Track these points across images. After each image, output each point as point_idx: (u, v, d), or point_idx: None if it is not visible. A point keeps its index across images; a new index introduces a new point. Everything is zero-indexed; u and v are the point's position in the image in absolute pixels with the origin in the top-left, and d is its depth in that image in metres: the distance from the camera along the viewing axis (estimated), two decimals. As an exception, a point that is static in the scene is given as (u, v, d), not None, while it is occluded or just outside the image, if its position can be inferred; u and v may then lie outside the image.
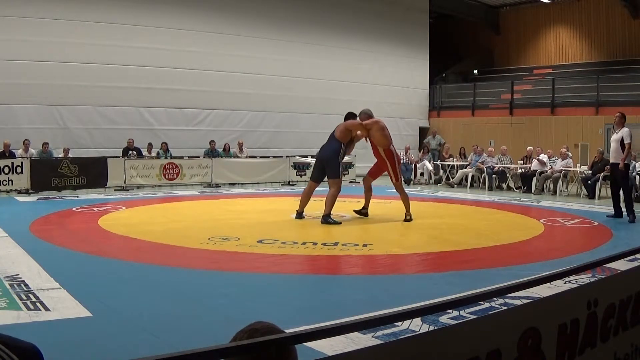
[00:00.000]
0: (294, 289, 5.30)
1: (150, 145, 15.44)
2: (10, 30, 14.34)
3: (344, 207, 11.31)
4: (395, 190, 9.74)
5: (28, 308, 4.35)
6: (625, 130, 9.70)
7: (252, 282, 5.47)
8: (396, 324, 3.72)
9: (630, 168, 13.19)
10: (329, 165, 9.28)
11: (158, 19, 16.50)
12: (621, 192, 9.90)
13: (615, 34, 21.96)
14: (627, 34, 21.61)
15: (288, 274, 5.84)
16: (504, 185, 16.12)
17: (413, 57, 22.35)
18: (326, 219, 8.99)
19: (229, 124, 17.98)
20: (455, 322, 3.21)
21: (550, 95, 19.90)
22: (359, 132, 9.52)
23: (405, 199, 9.54)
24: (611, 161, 9.94)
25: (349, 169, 17.50)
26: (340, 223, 9.10)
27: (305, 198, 9.49)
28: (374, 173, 10.07)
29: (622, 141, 9.63)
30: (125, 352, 3.44)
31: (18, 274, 5.37)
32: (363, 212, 9.79)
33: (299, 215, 9.42)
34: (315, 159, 10.20)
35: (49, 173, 13.05)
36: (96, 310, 4.33)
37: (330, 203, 9.05)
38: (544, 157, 15.07)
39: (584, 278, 4.63)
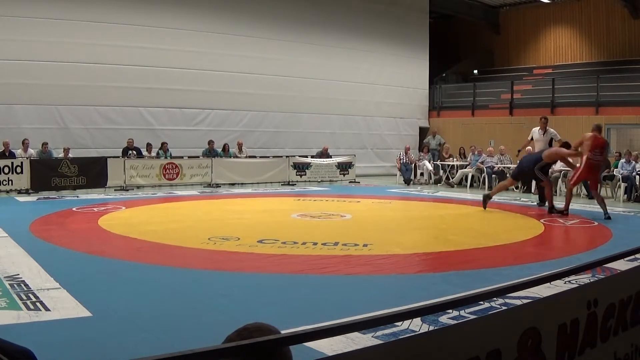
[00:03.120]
0: (294, 289, 5.29)
1: (149, 145, 15.43)
2: (10, 30, 14.34)
3: (345, 207, 11.33)
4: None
5: (28, 308, 4.35)
6: (552, 130, 12.02)
7: (252, 282, 5.47)
8: (396, 324, 3.72)
9: (631, 167, 13.24)
10: (528, 173, 10.97)
11: (158, 19, 16.50)
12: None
13: (615, 34, 21.96)
14: (627, 34, 21.61)
15: (288, 274, 5.84)
16: (504, 185, 16.09)
17: (413, 57, 22.35)
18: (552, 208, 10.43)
19: (228, 124, 17.98)
20: (455, 322, 3.21)
21: (550, 95, 19.90)
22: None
23: (600, 200, 10.20)
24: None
25: (349, 169, 17.52)
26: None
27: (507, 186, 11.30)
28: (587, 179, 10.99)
29: (551, 141, 11.84)
30: (125, 352, 3.44)
31: (18, 274, 5.37)
32: (562, 212, 10.28)
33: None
34: (518, 162, 11.71)
35: (49, 173, 13.04)
36: (96, 310, 4.33)
37: (549, 195, 10.60)
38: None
39: (584, 278, 4.63)
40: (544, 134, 12.01)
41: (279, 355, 1.30)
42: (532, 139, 12.36)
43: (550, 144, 11.75)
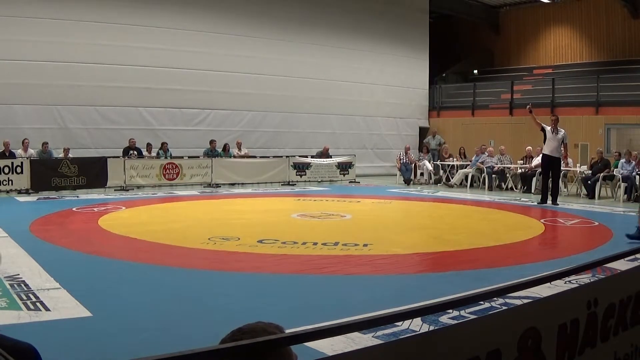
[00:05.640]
0: (294, 289, 5.30)
1: (149, 145, 15.43)
2: (10, 30, 14.34)
3: (345, 207, 11.33)
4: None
5: (28, 308, 4.35)
6: (563, 131, 12.02)
7: (252, 282, 5.47)
8: (396, 324, 3.72)
9: (631, 167, 13.28)
10: None
11: (157, 19, 16.50)
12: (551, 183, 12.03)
13: (615, 34, 21.95)
14: (627, 34, 21.60)
15: (288, 274, 5.84)
16: (504, 185, 16.11)
17: (413, 57, 22.35)
18: None
19: (228, 124, 17.98)
20: (455, 322, 3.21)
21: (550, 95, 19.88)
22: None
23: None
24: (554, 156, 11.85)
25: (349, 169, 17.52)
26: None
27: None
28: None
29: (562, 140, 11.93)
30: (125, 352, 3.44)
31: (18, 274, 5.36)
32: None
33: None
34: None
35: (49, 173, 13.04)
36: (96, 310, 4.33)
37: None
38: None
39: (584, 278, 4.63)
40: (553, 133, 11.89)
41: (275, 355, 1.29)
42: (545, 136, 12.06)
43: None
